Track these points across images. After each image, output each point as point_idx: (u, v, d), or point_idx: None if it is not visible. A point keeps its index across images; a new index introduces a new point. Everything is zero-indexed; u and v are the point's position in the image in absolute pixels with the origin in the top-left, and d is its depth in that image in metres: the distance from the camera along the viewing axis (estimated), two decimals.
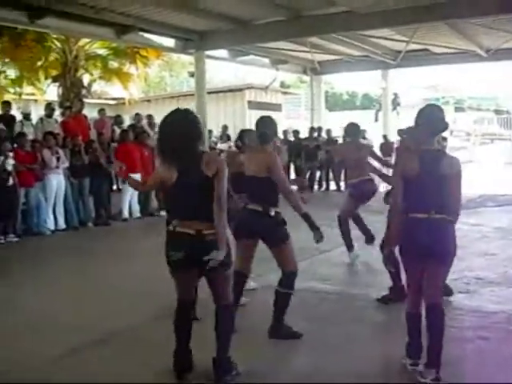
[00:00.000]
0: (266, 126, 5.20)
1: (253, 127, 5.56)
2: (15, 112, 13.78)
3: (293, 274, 4.98)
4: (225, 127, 18.74)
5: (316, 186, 17.76)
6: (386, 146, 16.11)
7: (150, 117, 15.74)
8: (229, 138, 18.10)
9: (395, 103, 24.48)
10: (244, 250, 5.10)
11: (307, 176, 17.41)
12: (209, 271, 4.02)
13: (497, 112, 41.95)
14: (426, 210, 4.03)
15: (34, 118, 13.22)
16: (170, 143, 4.03)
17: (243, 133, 6.46)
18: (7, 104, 12.85)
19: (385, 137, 18.20)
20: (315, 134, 18.39)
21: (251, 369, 4.33)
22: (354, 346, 4.81)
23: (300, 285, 5.59)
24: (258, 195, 4.95)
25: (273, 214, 4.91)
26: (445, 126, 4.17)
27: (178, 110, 4.17)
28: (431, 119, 4.15)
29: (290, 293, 5.00)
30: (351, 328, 5.23)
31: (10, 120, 12.13)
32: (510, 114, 38.98)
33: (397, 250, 4.29)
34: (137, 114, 15.01)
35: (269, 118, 5.38)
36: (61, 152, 11.26)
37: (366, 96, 44.99)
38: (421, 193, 4.05)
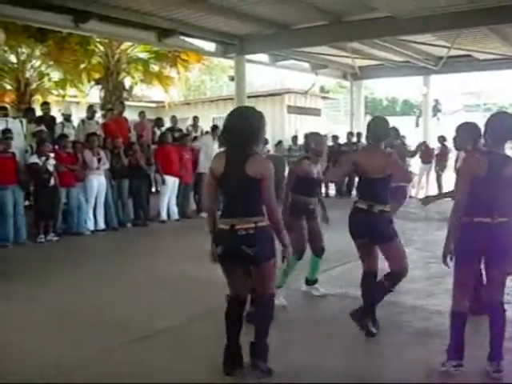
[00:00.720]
0: (377, 126, 5.30)
1: (292, 132, 5.60)
2: (56, 113, 14.05)
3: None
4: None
5: (354, 192, 17.62)
6: (427, 152, 15.92)
7: (195, 118, 15.88)
8: (266, 143, 18.11)
9: (436, 109, 24.21)
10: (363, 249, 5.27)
11: (345, 182, 17.30)
12: (249, 264, 4.26)
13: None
14: (491, 214, 4.15)
15: (76, 120, 13.45)
16: (227, 137, 4.26)
17: (310, 136, 6.44)
18: (46, 105, 13.08)
19: (424, 143, 17.95)
20: (354, 139, 18.29)
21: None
22: (393, 352, 4.77)
23: (338, 291, 5.59)
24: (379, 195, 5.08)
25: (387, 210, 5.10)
26: None
27: (244, 107, 4.56)
28: (504, 127, 4.25)
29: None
30: (389, 334, 5.19)
31: (50, 121, 12.36)
32: None
33: None
34: (173, 117, 15.15)
35: (380, 118, 5.59)
36: (102, 153, 11.41)
37: (406, 102, 44.56)
38: (486, 196, 4.16)
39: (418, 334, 5.23)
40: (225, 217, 4.21)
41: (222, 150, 4.34)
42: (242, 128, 4.16)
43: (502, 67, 19.93)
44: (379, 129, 5.25)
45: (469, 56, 18.66)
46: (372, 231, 5.04)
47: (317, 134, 6.44)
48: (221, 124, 5.19)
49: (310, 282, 6.54)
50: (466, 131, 5.01)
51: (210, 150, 13.35)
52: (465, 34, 15.19)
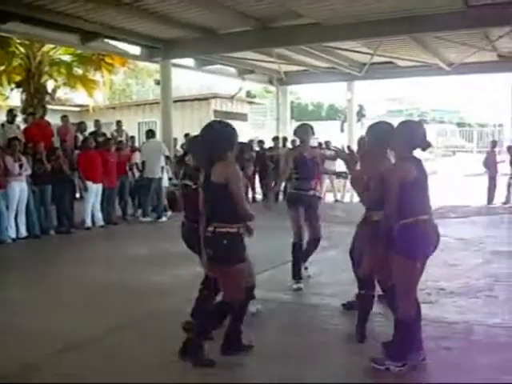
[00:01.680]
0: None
1: None
2: None
3: None
4: (186, 136, 18.70)
5: (281, 197, 17.76)
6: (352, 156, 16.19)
7: (118, 122, 15.64)
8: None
9: (360, 114, 24.70)
10: None
11: (272, 186, 17.42)
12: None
13: (459, 125, 42.76)
14: (429, 212, 4.38)
15: None
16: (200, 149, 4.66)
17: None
18: None
19: (349, 147, 18.29)
20: (280, 144, 18.44)
21: None
22: (322, 355, 4.81)
23: (264, 295, 5.60)
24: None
25: None
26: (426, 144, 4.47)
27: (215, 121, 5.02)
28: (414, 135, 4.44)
29: None
30: (317, 337, 5.23)
31: None
32: (472, 126, 39.74)
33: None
34: (96, 121, 14.85)
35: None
36: (23, 159, 11.05)
37: (331, 107, 45.39)
38: (424, 196, 4.39)
39: (342, 336, 5.30)
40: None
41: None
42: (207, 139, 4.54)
43: (422, 74, 20.59)
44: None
45: (391, 63, 19.18)
46: None
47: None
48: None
49: None
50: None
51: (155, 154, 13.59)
52: (387, 41, 15.61)
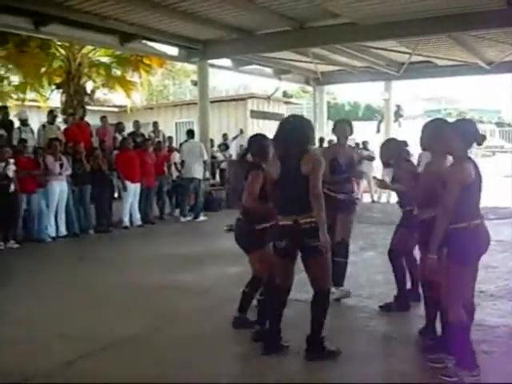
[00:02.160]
0: None
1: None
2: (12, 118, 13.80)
3: None
4: (224, 136, 18.83)
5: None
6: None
7: (155, 123, 15.78)
8: (227, 147, 18.15)
9: (398, 114, 24.50)
10: None
11: None
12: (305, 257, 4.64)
13: (498, 125, 42.04)
14: (481, 215, 4.29)
15: (36, 125, 13.22)
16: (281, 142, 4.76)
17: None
18: (5, 109, 12.82)
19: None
20: (316, 145, 18.39)
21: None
22: (361, 357, 4.79)
23: (297, 296, 5.59)
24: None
25: None
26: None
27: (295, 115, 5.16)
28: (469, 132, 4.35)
29: None
30: (356, 339, 5.22)
31: (8, 126, 12.12)
32: None
33: None
34: (136, 122, 15.01)
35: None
36: (64, 159, 11.25)
37: (368, 107, 45.02)
38: (478, 199, 4.29)
39: (384, 337, 5.26)
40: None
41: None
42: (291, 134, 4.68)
43: (461, 73, 20.27)
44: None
45: (429, 62, 18.93)
46: None
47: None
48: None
49: None
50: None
51: (194, 154, 13.76)
52: (425, 40, 15.42)
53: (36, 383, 4.39)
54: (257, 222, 5.16)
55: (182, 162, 13.91)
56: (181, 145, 15.47)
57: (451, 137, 4.35)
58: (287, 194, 4.65)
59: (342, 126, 6.49)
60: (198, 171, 13.93)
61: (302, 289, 5.54)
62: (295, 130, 4.69)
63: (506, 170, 25.16)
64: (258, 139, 5.44)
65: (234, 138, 19.18)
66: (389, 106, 22.75)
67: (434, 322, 4.99)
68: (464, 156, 4.30)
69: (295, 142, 4.63)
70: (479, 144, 4.42)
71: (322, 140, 18.54)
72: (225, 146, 18.18)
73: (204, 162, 14.35)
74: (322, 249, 4.51)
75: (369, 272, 7.71)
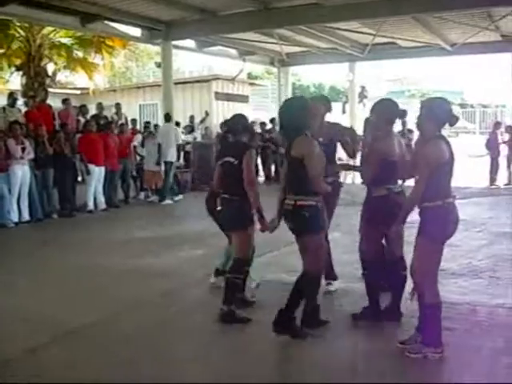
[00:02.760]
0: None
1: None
2: None
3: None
4: (191, 118, 18.69)
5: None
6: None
7: (117, 105, 15.56)
8: (193, 130, 18.03)
9: (362, 96, 24.60)
10: None
11: (272, 168, 17.46)
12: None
13: (462, 106, 42.52)
14: (453, 195, 4.33)
15: None
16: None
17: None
18: None
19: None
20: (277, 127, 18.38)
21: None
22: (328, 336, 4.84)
23: (268, 276, 5.61)
24: None
25: None
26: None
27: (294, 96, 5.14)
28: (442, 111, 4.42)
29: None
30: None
31: None
32: (475, 107, 39.60)
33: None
34: (99, 104, 14.81)
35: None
36: (26, 142, 11.03)
37: (332, 88, 45.11)
38: (450, 178, 4.33)
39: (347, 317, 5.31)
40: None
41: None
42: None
43: (424, 54, 20.39)
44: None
45: (393, 43, 19.02)
46: None
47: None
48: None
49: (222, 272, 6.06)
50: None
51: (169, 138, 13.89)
52: (389, 21, 15.47)
53: None
54: (247, 201, 5.17)
55: (159, 146, 13.84)
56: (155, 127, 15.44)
57: (425, 116, 4.38)
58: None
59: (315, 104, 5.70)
60: (171, 155, 14.02)
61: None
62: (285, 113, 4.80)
63: (469, 150, 25.51)
64: (240, 119, 5.55)
65: (202, 120, 19.06)
66: (353, 87, 22.85)
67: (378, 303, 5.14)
68: (436, 134, 4.33)
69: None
70: (451, 125, 4.46)
71: (273, 120, 18.53)
72: (190, 128, 18.05)
73: (177, 146, 14.36)
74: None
75: (336, 252, 7.74)
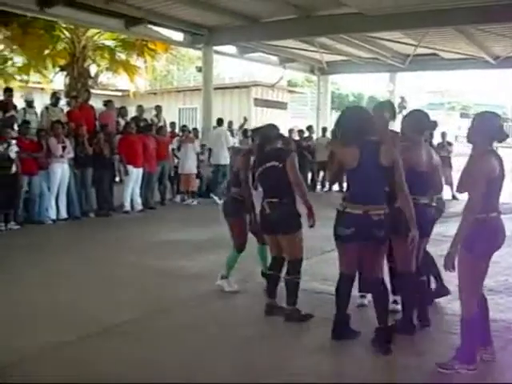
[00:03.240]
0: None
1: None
2: (18, 99, 13.74)
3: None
4: (230, 123, 18.75)
5: (319, 186, 17.70)
6: None
7: (158, 108, 15.66)
8: (232, 135, 18.06)
9: (401, 106, 24.35)
10: None
11: (309, 176, 17.39)
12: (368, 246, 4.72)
13: (503, 120, 41.90)
14: (499, 210, 4.27)
15: (39, 107, 13.19)
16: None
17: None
18: (9, 91, 12.74)
19: None
20: (319, 134, 18.36)
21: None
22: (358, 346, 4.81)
23: (301, 285, 5.59)
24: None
25: None
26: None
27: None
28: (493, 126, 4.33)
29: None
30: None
31: (11, 107, 12.05)
32: None
33: None
34: (139, 106, 14.97)
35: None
36: (67, 141, 11.23)
37: (372, 98, 44.85)
38: (499, 193, 4.28)
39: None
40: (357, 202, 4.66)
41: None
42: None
43: (466, 67, 20.23)
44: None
45: (435, 55, 18.87)
46: None
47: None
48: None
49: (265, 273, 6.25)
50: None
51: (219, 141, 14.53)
52: (432, 32, 15.36)
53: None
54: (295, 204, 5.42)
55: (210, 150, 14.49)
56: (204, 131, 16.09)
57: (475, 129, 4.31)
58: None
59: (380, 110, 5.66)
60: (224, 157, 14.64)
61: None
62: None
63: (509, 164, 25.02)
64: (273, 129, 5.76)
65: (241, 126, 19.10)
66: (393, 97, 22.69)
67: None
68: (488, 149, 4.24)
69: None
70: (500, 141, 4.39)
71: (324, 129, 18.48)
72: (232, 133, 18.08)
73: (228, 149, 14.82)
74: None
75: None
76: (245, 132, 17.70)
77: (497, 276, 7.24)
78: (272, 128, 5.78)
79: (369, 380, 4.28)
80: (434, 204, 5.19)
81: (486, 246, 4.23)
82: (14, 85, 16.74)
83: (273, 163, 5.41)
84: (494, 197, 4.24)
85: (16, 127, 11.12)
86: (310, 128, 18.62)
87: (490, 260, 4.33)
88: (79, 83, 16.74)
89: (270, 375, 4.25)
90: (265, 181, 5.55)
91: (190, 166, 14.20)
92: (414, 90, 40.99)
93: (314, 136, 18.61)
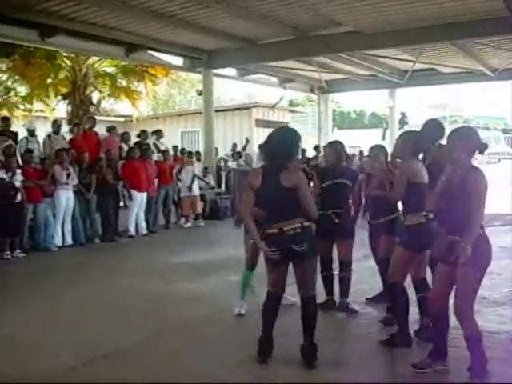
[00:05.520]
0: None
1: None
2: (19, 128, 13.88)
3: None
4: (234, 146, 18.87)
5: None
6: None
7: (158, 132, 15.72)
8: (240, 156, 18.16)
9: (402, 122, 24.54)
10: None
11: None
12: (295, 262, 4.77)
13: (504, 131, 41.97)
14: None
15: (43, 135, 13.31)
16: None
17: None
18: (7, 120, 12.81)
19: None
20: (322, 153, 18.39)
21: None
22: (363, 362, 4.84)
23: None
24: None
25: None
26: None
27: (285, 127, 5.25)
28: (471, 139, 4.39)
29: None
30: (359, 345, 5.25)
31: (11, 136, 12.14)
32: None
33: None
34: (143, 131, 15.05)
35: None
36: (71, 168, 11.33)
37: (373, 115, 45.06)
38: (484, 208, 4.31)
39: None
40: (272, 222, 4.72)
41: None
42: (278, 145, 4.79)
43: (465, 80, 20.32)
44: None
45: (433, 70, 18.97)
46: None
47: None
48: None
49: None
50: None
51: None
52: (429, 48, 15.47)
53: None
54: None
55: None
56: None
57: (455, 146, 4.35)
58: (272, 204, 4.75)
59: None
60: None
61: None
62: (280, 143, 4.80)
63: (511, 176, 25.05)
64: (342, 147, 6.59)
65: (244, 147, 19.21)
66: (393, 113, 22.84)
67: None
68: (472, 165, 4.30)
69: (279, 155, 4.74)
70: (481, 153, 4.44)
71: (317, 148, 18.55)
72: (238, 155, 18.17)
73: (206, 169, 15.54)
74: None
75: (372, 279, 7.73)
76: (238, 154, 17.90)
77: (500, 288, 7.28)
78: (341, 147, 6.53)
79: None
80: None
81: (487, 260, 4.28)
82: (17, 114, 16.97)
83: (344, 181, 6.33)
84: (483, 212, 4.31)
85: (19, 157, 11.23)
86: (317, 147, 18.71)
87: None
88: (81, 110, 16.95)
89: None
90: (333, 194, 6.32)
91: (193, 189, 14.30)
92: (415, 105, 41.15)
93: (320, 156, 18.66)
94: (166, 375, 4.64)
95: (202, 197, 15.10)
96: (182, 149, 16.51)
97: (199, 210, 14.59)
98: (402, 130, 24.07)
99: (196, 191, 14.44)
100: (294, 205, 4.64)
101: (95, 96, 18.79)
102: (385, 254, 5.85)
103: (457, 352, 4.69)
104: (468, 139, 4.35)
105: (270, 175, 4.68)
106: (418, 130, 5.69)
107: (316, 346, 4.74)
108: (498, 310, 6.31)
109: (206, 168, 15.78)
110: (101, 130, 15.08)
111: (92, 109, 17.79)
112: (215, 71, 16.86)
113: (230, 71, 18.33)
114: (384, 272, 5.75)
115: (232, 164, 17.81)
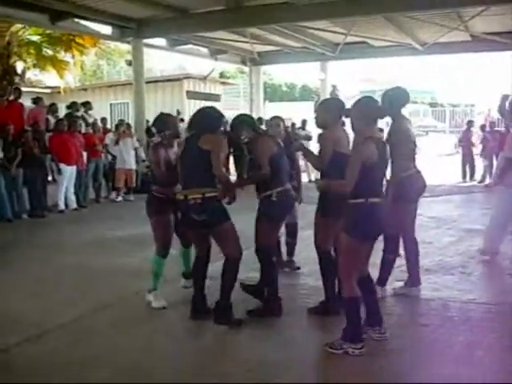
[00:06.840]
0: None
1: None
2: None
3: None
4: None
5: None
6: None
7: (87, 104, 15.31)
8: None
9: (333, 94, 24.63)
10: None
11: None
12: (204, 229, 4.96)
13: (432, 105, 43.01)
14: (381, 195, 4.45)
15: None
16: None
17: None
18: None
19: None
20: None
21: None
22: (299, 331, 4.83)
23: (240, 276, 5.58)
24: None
25: None
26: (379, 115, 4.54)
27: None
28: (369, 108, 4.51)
29: None
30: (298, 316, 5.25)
31: None
32: (444, 106, 40.05)
33: None
34: (73, 103, 14.60)
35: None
36: None
37: (304, 87, 45.26)
38: (380, 178, 4.48)
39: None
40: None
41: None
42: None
43: (395, 54, 20.62)
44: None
45: (365, 43, 19.16)
46: None
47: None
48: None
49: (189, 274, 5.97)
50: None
51: None
52: (361, 21, 15.58)
53: None
54: None
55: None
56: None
57: (354, 116, 4.49)
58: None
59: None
60: None
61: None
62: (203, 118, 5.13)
63: (439, 149, 25.83)
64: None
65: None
66: (325, 86, 22.93)
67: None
68: (368, 136, 4.35)
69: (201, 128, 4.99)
70: (380, 118, 4.55)
71: (259, 120, 18.47)
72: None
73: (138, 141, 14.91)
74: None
75: (307, 250, 7.75)
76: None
77: (432, 256, 7.46)
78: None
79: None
80: None
81: (365, 231, 4.36)
82: None
83: None
84: (375, 182, 4.38)
85: None
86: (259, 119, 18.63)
87: (373, 244, 4.51)
88: (4, 81, 16.22)
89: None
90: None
91: (130, 161, 14.01)
92: (346, 78, 41.57)
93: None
94: (104, 349, 4.53)
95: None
96: (121, 120, 16.07)
97: (133, 183, 14.32)
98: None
99: (133, 164, 14.15)
100: (207, 171, 4.75)
101: (20, 66, 18.00)
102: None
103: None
104: (366, 108, 4.47)
105: (191, 142, 4.91)
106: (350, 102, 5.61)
107: (230, 305, 4.95)
108: (431, 277, 6.45)
109: (138, 140, 15.47)
110: (26, 101, 14.52)
111: (16, 79, 17.04)
112: (145, 41, 16.49)
113: (161, 41, 17.96)
114: None
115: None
